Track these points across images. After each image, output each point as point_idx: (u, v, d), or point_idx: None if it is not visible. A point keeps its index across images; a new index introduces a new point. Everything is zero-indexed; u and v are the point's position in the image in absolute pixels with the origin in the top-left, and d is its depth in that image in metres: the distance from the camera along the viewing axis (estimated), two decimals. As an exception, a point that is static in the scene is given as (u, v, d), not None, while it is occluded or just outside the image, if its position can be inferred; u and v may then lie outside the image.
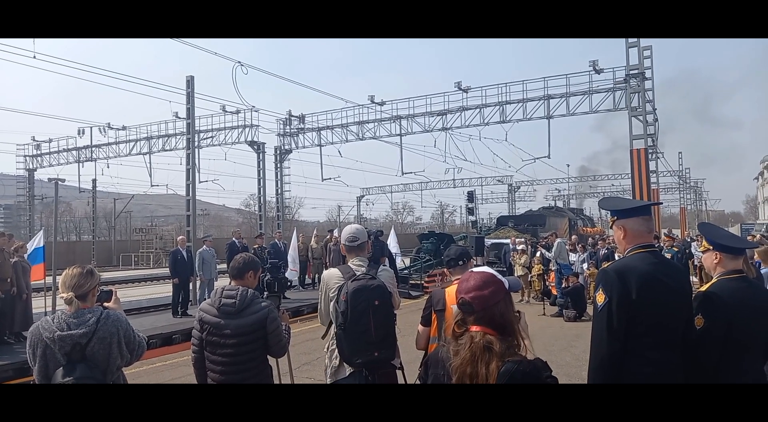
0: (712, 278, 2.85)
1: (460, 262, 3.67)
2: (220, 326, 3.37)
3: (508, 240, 18.50)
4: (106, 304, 3.04)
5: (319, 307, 3.70)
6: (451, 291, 3.33)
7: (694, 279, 13.95)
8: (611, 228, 2.83)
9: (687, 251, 16.26)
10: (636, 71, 20.87)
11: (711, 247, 2.82)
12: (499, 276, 2.07)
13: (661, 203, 18.71)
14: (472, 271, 2.14)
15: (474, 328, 1.93)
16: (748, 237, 15.26)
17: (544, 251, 14.90)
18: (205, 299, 13.43)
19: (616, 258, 6.86)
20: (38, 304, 11.01)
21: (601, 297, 2.49)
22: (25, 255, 10.22)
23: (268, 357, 3.57)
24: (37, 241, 11.01)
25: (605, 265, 2.68)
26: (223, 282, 15.30)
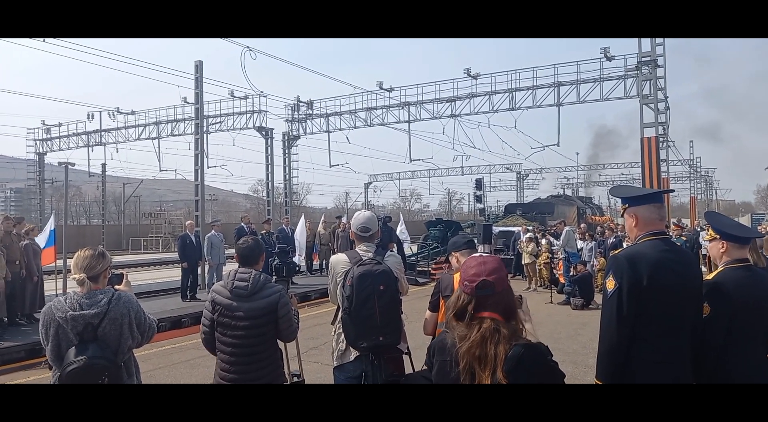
0: (718, 267, 2.85)
1: (469, 248, 3.67)
2: (232, 308, 3.39)
3: (516, 228, 18.47)
4: (117, 287, 3.08)
5: (329, 289, 3.74)
6: (459, 278, 3.33)
7: (703, 268, 13.90)
8: (622, 216, 2.83)
9: (697, 240, 16.15)
10: (648, 58, 20.62)
11: (718, 236, 2.81)
12: None
13: (673, 191, 18.61)
14: (483, 255, 2.20)
15: (484, 314, 1.98)
16: (759, 228, 15.16)
17: (552, 239, 14.88)
18: (213, 283, 13.49)
19: (625, 246, 6.85)
20: (49, 287, 11.15)
21: (611, 284, 2.49)
22: (36, 239, 10.33)
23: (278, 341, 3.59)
24: (48, 225, 11.12)
25: (615, 252, 2.68)
26: (231, 267, 15.37)
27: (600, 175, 56.61)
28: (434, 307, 3.48)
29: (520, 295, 2.22)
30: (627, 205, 2.69)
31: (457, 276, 3.37)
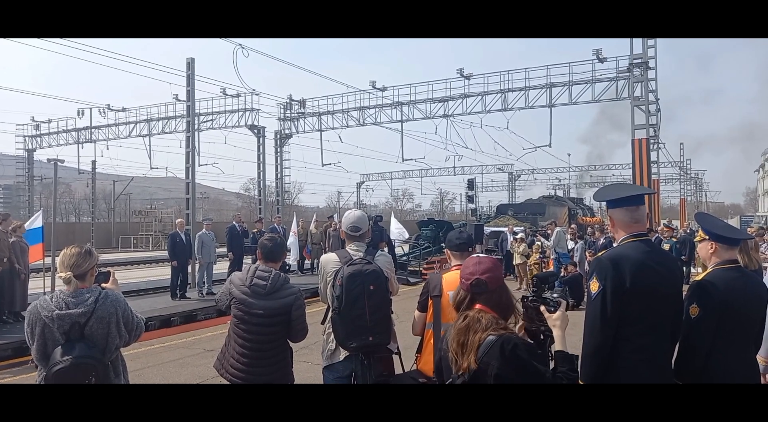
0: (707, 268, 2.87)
1: (469, 248, 3.63)
2: (248, 304, 3.45)
3: (505, 229, 18.53)
4: (104, 285, 3.05)
5: (319, 289, 3.73)
6: (448, 277, 3.32)
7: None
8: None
9: (691, 241, 16.12)
10: (639, 61, 20.75)
11: (707, 237, 2.83)
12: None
13: (653, 192, 18.59)
14: (479, 255, 2.41)
15: (478, 306, 2.18)
16: (747, 229, 15.27)
17: (543, 239, 14.92)
18: (204, 282, 13.36)
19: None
20: (37, 285, 11.05)
21: (595, 286, 2.52)
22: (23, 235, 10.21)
23: None
24: (36, 222, 10.99)
25: (599, 254, 2.70)
26: (222, 266, 15.19)
27: (591, 176, 56.94)
28: (423, 307, 3.46)
29: (560, 300, 2.28)
30: (608, 207, 2.75)
31: (445, 276, 3.37)
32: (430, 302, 3.37)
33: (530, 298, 2.36)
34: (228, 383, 3.52)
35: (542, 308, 2.28)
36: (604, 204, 2.99)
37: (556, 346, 2.20)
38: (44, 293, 8.93)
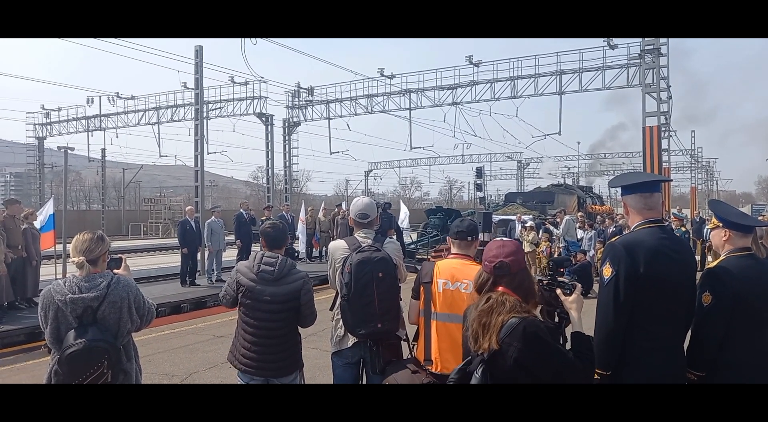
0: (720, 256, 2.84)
1: (469, 237, 3.54)
2: (257, 291, 3.45)
3: (514, 217, 18.49)
4: (115, 271, 3.08)
5: (328, 276, 3.74)
6: (441, 265, 3.27)
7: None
8: None
9: (700, 230, 15.98)
10: (651, 47, 20.50)
11: (721, 224, 2.80)
12: None
13: (669, 180, 18.42)
14: (503, 239, 2.45)
15: (500, 289, 2.22)
16: (759, 218, 15.14)
17: (552, 228, 14.88)
18: (213, 269, 13.41)
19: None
20: (49, 271, 11.16)
21: (608, 271, 2.50)
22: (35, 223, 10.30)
23: None
24: (47, 209, 11.08)
25: (612, 240, 2.68)
26: (231, 253, 15.24)
27: (601, 164, 56.54)
28: (416, 295, 3.38)
29: (574, 283, 2.36)
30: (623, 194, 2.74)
31: (439, 263, 3.31)
32: (421, 289, 3.29)
33: (546, 282, 2.41)
34: (233, 383, 3.54)
35: (558, 291, 2.34)
36: (615, 192, 2.99)
37: (573, 328, 2.25)
38: (56, 279, 9.01)
